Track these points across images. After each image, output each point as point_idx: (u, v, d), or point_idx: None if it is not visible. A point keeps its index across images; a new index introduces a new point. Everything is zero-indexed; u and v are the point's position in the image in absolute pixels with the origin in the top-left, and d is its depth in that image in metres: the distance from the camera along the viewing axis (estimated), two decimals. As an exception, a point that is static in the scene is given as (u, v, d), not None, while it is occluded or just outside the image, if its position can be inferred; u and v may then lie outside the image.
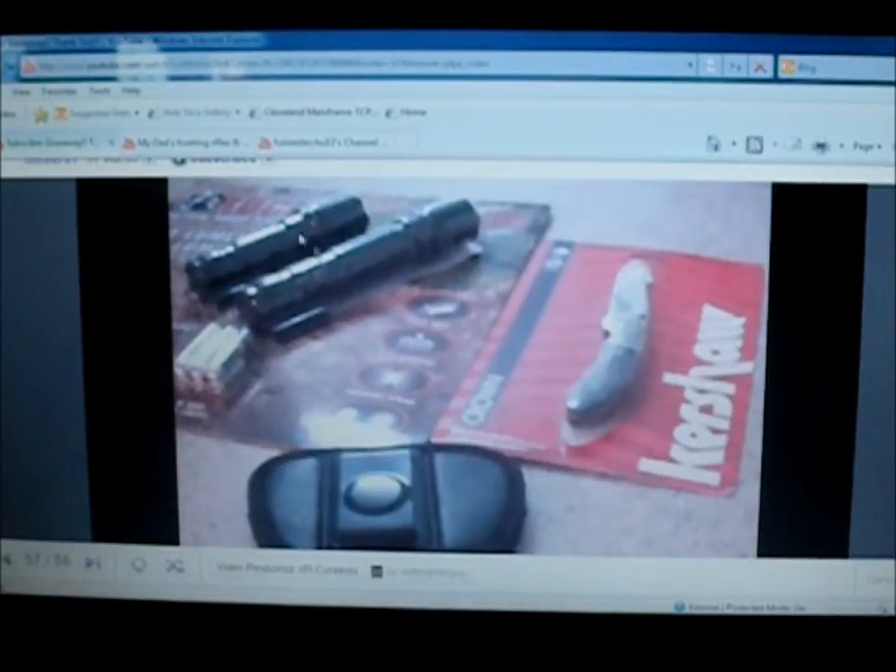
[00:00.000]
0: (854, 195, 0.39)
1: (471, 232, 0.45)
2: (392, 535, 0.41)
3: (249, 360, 0.45)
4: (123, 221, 0.41)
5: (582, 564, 0.41)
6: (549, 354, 0.44)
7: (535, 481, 0.41)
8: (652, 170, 0.39)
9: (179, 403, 0.42)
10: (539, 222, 0.46)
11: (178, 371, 0.42)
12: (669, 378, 0.43)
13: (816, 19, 0.38)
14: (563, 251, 0.47)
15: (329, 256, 0.47)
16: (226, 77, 0.40)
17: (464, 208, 0.42)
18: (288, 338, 0.45)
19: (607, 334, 0.44)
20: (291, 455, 0.42)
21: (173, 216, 0.41)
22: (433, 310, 0.46)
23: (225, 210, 0.44)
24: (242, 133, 0.40)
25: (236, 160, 0.40)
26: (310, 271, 0.47)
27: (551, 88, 0.39)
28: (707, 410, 0.42)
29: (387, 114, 0.40)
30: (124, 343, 0.41)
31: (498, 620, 0.42)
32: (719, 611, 0.41)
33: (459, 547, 0.41)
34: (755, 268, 0.40)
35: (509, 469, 0.41)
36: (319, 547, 0.42)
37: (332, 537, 0.41)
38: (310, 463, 0.42)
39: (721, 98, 0.39)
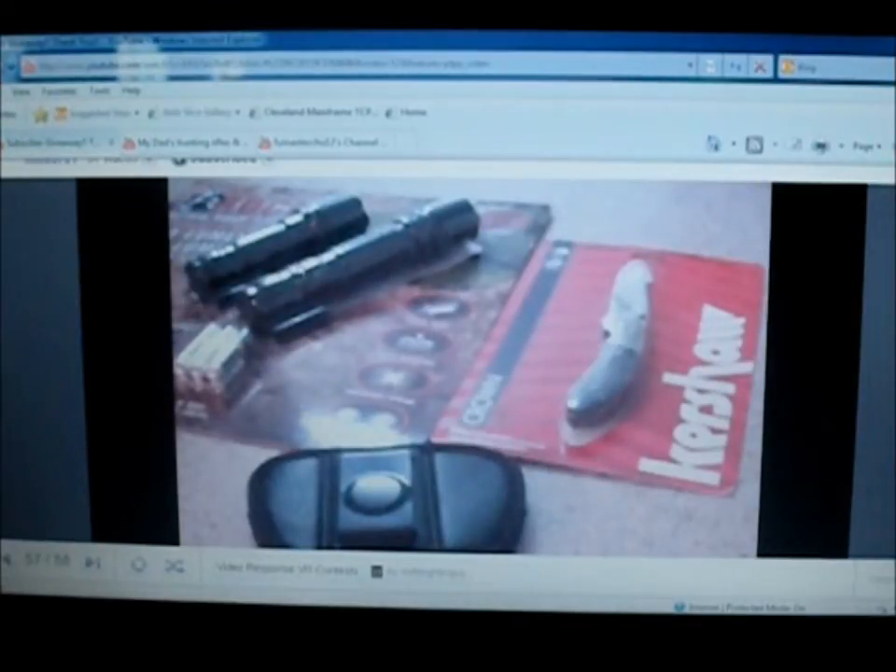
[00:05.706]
0: (854, 195, 0.39)
1: (471, 232, 0.45)
2: (392, 535, 0.41)
3: (249, 360, 0.45)
4: (123, 221, 0.41)
5: (582, 564, 0.41)
6: (549, 354, 0.44)
7: (535, 481, 0.41)
8: (652, 170, 0.39)
9: (179, 403, 0.42)
10: (539, 222, 0.46)
11: (178, 371, 0.42)
12: (669, 378, 0.43)
13: (816, 19, 0.38)
14: (563, 251, 0.47)
15: (329, 256, 0.47)
16: (226, 77, 0.40)
17: (464, 208, 0.42)
18: (288, 338, 0.45)
19: (607, 334, 0.44)
20: (291, 455, 0.42)
21: (173, 216, 0.41)
22: (433, 310, 0.46)
23: (225, 210, 0.44)
24: (242, 132, 0.40)
25: (236, 160, 0.40)
26: (310, 271, 0.47)
27: (551, 88, 0.39)
28: (706, 410, 0.42)
29: (387, 114, 0.40)
30: (124, 343, 0.41)
31: (498, 620, 0.42)
32: (719, 611, 0.41)
33: (459, 547, 0.41)
34: (755, 268, 0.40)
35: (509, 470, 0.41)
36: (319, 547, 0.42)
37: (332, 537, 0.41)
38: (310, 463, 0.42)
39: (721, 98, 0.39)
